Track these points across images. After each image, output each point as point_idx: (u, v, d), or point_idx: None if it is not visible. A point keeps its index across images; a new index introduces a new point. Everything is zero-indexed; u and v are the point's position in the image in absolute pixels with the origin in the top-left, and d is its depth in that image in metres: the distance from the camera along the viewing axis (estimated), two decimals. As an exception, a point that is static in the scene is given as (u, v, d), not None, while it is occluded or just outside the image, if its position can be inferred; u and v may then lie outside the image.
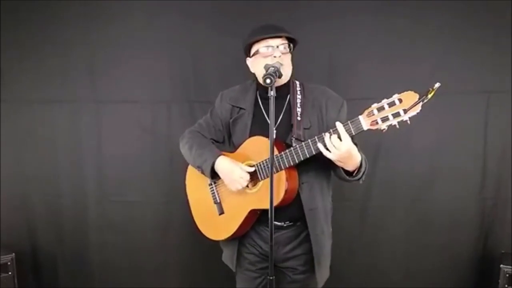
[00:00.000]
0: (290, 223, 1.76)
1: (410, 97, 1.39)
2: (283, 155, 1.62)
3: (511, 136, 2.44)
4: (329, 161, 1.57)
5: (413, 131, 2.32)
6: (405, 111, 1.38)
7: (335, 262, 2.62)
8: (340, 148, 1.48)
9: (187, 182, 1.93)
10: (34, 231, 2.67)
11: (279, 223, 1.74)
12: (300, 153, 1.59)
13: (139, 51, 2.53)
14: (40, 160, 2.61)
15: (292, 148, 1.61)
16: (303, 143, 1.59)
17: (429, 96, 1.35)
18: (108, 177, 2.63)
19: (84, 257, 2.71)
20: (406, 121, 1.40)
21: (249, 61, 1.76)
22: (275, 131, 1.66)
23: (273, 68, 1.56)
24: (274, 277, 1.56)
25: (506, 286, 2.26)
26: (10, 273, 2.41)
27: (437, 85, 1.33)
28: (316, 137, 1.56)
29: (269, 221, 1.51)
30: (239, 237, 1.82)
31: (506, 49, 2.38)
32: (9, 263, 2.41)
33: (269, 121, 1.66)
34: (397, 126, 1.42)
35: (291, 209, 1.69)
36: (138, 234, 2.66)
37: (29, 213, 2.65)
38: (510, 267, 2.27)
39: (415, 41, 2.43)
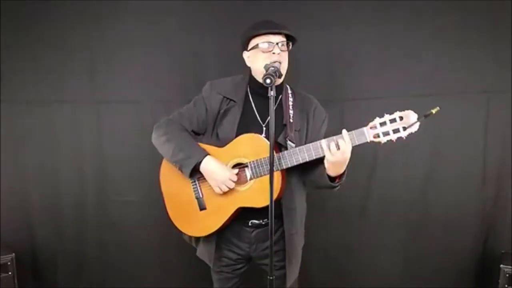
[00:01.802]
0: (268, 221, 1.75)
1: (410, 116, 1.50)
2: (281, 157, 1.63)
3: (511, 136, 2.44)
4: (312, 167, 1.65)
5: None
6: (405, 128, 1.50)
7: (335, 262, 2.66)
8: (344, 152, 1.53)
9: (162, 173, 1.87)
10: (34, 231, 2.66)
11: (257, 221, 1.77)
12: (300, 156, 1.61)
13: (139, 51, 2.52)
14: (40, 160, 2.61)
15: (291, 151, 1.63)
16: (303, 146, 1.61)
17: (426, 118, 1.48)
18: (108, 176, 2.63)
19: (84, 257, 2.71)
20: (403, 137, 1.52)
21: (246, 55, 1.76)
22: (264, 129, 1.72)
23: (273, 68, 1.58)
24: (274, 277, 1.57)
25: (506, 286, 2.26)
26: (10, 273, 2.41)
27: (436, 109, 1.44)
28: (318, 142, 1.59)
29: (269, 220, 1.52)
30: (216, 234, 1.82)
31: (506, 49, 2.38)
32: (9, 263, 2.41)
33: (258, 117, 1.74)
34: (394, 141, 1.53)
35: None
36: (138, 233, 2.66)
37: (29, 213, 2.65)
38: (510, 267, 2.27)
39: (415, 41, 2.43)
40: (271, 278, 1.56)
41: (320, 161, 1.62)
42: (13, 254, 2.44)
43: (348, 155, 1.55)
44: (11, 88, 2.55)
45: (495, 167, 2.48)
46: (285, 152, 1.63)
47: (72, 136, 2.60)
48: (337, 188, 1.68)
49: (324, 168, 1.61)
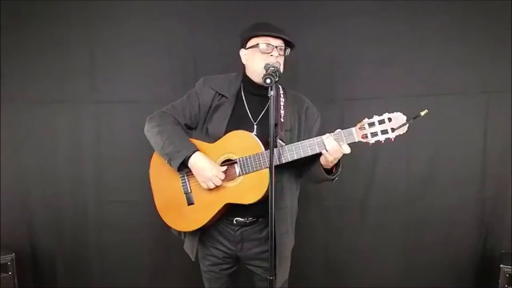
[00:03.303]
0: (253, 219, 1.77)
1: (399, 118, 1.52)
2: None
3: (511, 136, 2.44)
4: (311, 161, 1.65)
5: (413, 131, 2.31)
6: (393, 130, 1.52)
7: (335, 262, 2.66)
8: (341, 150, 1.55)
9: (152, 167, 1.87)
10: (34, 231, 2.67)
11: (242, 219, 1.77)
12: (288, 155, 1.62)
13: (139, 51, 2.53)
14: (40, 161, 2.61)
15: (280, 149, 1.63)
16: (292, 145, 1.62)
17: (415, 120, 1.48)
18: (107, 177, 2.63)
19: (84, 257, 2.71)
20: (391, 139, 1.54)
21: (243, 52, 1.76)
22: (255, 127, 1.72)
23: (273, 68, 1.58)
24: (274, 277, 1.56)
25: (506, 286, 2.26)
26: (10, 273, 2.41)
27: (425, 111, 1.44)
28: (314, 139, 1.60)
29: (269, 220, 1.51)
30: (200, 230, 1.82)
31: (506, 49, 2.38)
32: (9, 263, 2.41)
33: (250, 115, 1.75)
34: (382, 142, 1.54)
35: (257, 206, 1.67)
36: (137, 234, 2.66)
37: (29, 213, 2.65)
38: (510, 267, 2.27)
39: (415, 41, 2.43)
40: (271, 278, 1.55)
41: (314, 156, 1.62)
42: (13, 254, 2.44)
43: (344, 151, 1.57)
44: (11, 88, 2.55)
45: (495, 167, 2.49)
46: (275, 149, 1.62)
47: (72, 136, 2.60)
48: (335, 179, 1.70)
49: (319, 161, 1.63)
